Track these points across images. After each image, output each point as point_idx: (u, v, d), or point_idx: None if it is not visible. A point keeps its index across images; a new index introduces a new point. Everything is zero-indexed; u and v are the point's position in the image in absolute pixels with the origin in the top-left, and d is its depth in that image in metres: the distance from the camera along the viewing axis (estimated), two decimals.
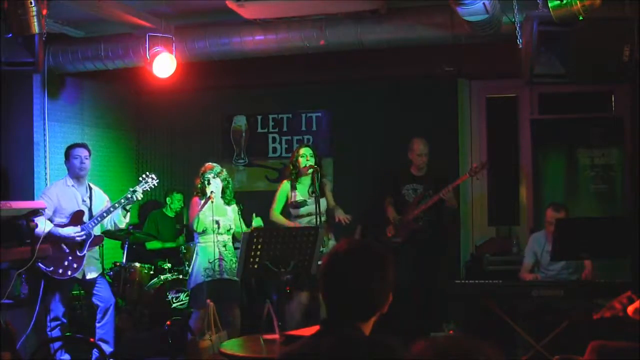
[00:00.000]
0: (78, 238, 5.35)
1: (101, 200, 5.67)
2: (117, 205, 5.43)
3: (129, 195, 5.42)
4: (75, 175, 5.52)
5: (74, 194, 5.50)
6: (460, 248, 7.28)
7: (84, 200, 5.53)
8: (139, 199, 5.52)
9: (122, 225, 5.64)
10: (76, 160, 5.49)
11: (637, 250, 5.01)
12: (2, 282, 5.41)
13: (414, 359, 1.68)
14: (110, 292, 5.67)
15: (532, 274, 5.81)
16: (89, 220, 5.44)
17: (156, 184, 5.61)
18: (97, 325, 5.51)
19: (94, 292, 5.53)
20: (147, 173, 5.61)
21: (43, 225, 5.02)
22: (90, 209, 5.53)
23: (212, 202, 5.41)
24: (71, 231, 5.34)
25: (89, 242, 5.41)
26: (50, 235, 5.13)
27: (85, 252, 5.39)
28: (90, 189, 5.63)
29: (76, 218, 5.43)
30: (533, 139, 7.26)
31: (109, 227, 5.64)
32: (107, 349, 5.47)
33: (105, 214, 5.43)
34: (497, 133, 7.40)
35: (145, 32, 5.84)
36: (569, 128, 7.21)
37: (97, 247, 5.61)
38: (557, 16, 4.13)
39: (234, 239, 5.73)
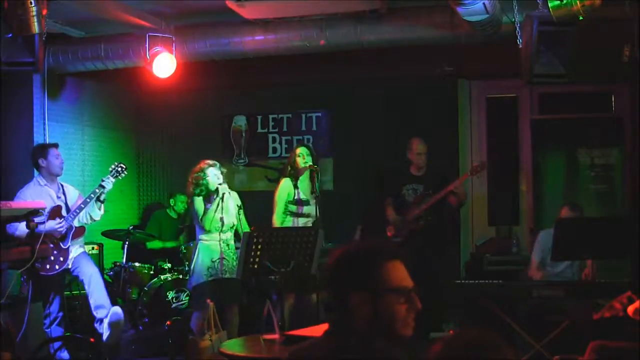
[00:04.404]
0: (60, 229, 5.41)
1: (74, 195, 5.77)
2: (92, 195, 5.52)
3: (102, 185, 5.51)
4: (54, 173, 5.62)
5: (47, 192, 5.56)
6: (460, 248, 7.28)
7: (58, 197, 5.62)
8: (110, 188, 5.58)
9: (98, 218, 5.71)
10: (57, 160, 5.61)
11: (637, 250, 5.00)
12: (2, 282, 5.43)
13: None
14: (92, 263, 5.70)
15: (539, 272, 5.79)
16: (67, 214, 5.52)
17: (126, 173, 5.70)
18: (88, 297, 5.54)
19: (75, 267, 5.57)
20: (117, 162, 5.69)
21: (23, 226, 5.03)
22: (66, 204, 5.61)
23: (222, 200, 5.42)
24: (53, 224, 5.39)
25: (70, 234, 5.49)
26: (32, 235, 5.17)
27: (68, 244, 5.47)
28: (62, 185, 5.72)
29: (55, 213, 5.49)
30: (533, 139, 7.26)
31: (85, 221, 5.68)
32: (103, 313, 5.45)
33: (82, 206, 5.52)
34: (497, 133, 7.40)
35: (145, 32, 5.85)
36: (569, 128, 7.20)
37: (79, 239, 5.68)
38: (557, 16, 4.13)
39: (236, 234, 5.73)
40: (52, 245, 5.39)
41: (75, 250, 5.61)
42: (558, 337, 5.18)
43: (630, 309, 3.77)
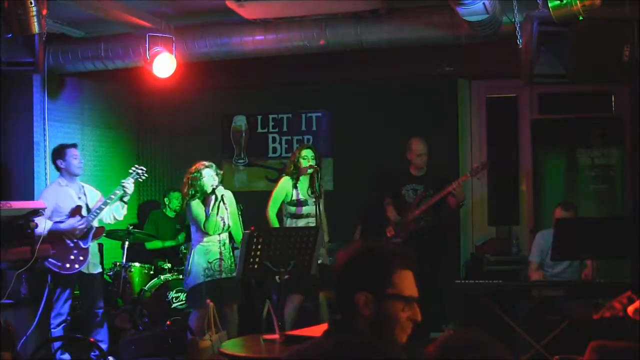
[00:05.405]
0: (80, 226, 5.46)
1: (94, 195, 5.81)
2: (112, 197, 5.57)
3: (122, 186, 5.56)
4: (74, 173, 5.67)
5: (68, 193, 5.62)
6: (460, 248, 7.28)
7: (79, 197, 5.67)
8: (131, 190, 5.63)
9: (121, 218, 5.79)
10: (75, 160, 5.65)
11: (637, 250, 5.00)
12: (2, 282, 5.44)
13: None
14: (101, 297, 5.76)
15: (538, 273, 5.80)
16: (88, 214, 5.57)
17: (146, 176, 5.78)
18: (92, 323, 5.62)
19: (88, 293, 5.65)
20: (137, 165, 5.77)
21: (43, 225, 5.07)
22: (86, 204, 5.66)
23: (222, 202, 5.41)
24: (73, 221, 5.47)
25: (91, 233, 5.54)
26: (52, 233, 5.23)
27: (89, 243, 5.54)
28: (83, 186, 5.77)
29: (75, 213, 5.55)
30: (533, 139, 7.26)
31: (109, 221, 5.74)
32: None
33: (103, 206, 5.57)
34: (497, 133, 7.40)
35: (145, 32, 5.84)
36: (569, 128, 7.21)
37: (98, 239, 5.73)
38: (557, 16, 4.13)
39: (231, 238, 5.73)
40: (71, 245, 5.46)
41: (95, 266, 5.66)
42: (558, 337, 5.19)
43: (630, 309, 3.77)
